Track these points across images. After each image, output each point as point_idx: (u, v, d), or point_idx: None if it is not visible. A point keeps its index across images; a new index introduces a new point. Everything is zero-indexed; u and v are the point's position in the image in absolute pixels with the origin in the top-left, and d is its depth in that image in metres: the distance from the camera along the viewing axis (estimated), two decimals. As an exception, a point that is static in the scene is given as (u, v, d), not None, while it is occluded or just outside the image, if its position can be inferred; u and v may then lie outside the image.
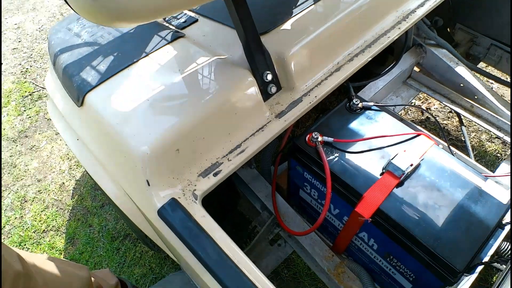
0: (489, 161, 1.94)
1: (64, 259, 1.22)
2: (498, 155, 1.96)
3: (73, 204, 2.14)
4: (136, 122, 0.95)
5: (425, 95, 2.01)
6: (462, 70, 1.57)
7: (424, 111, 2.05)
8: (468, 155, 1.51)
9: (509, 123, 1.47)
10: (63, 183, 2.26)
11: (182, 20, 1.26)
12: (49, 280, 1.04)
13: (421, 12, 1.29)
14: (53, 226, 2.07)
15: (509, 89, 2.23)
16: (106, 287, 1.30)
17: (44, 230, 2.05)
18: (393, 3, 1.26)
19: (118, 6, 0.66)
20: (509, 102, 1.55)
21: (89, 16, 0.72)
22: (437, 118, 2.13)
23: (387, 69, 1.52)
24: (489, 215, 0.93)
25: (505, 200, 0.96)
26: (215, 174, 0.94)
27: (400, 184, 0.97)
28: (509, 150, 1.96)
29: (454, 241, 0.88)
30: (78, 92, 1.10)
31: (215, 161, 0.96)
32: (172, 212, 0.85)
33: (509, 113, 1.49)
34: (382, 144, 1.06)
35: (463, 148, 1.96)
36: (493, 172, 1.40)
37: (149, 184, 0.89)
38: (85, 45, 1.26)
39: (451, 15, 1.79)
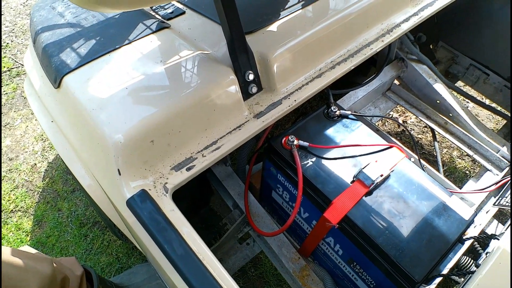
0: (458, 177, 2.00)
1: (26, 251, 1.18)
2: (467, 172, 2.02)
3: (44, 187, 2.10)
4: (112, 110, 0.94)
5: (402, 108, 2.07)
6: (440, 87, 1.62)
7: (400, 124, 2.09)
8: (438, 170, 1.56)
9: (480, 142, 1.52)
10: (35, 164, 2.21)
11: (169, 11, 1.25)
12: (3, 275, 1.00)
13: (406, 27, 1.32)
14: (21, 207, 2.02)
15: (483, 109, 2.30)
16: (72, 277, 1.27)
17: (12, 210, 2.01)
18: (379, 16, 1.28)
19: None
20: (481, 121, 1.60)
21: (73, -1, 0.71)
22: (412, 131, 2.18)
23: (368, 79, 1.55)
24: (450, 229, 0.96)
25: (467, 216, 1.00)
26: (188, 169, 0.94)
27: (369, 193, 0.99)
28: (477, 168, 2.03)
29: (415, 252, 0.91)
30: (56, 74, 1.08)
31: (189, 155, 0.96)
32: (141, 203, 0.84)
33: (480, 132, 1.54)
34: (355, 152, 1.08)
35: (434, 162, 2.02)
36: (460, 188, 1.45)
37: (120, 174, 0.89)
38: (67, 25, 1.24)
39: (435, 32, 1.84)
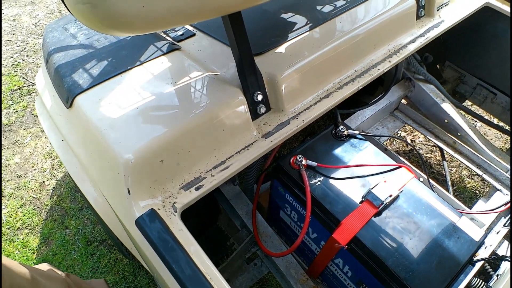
0: (468, 197, 1.98)
1: (40, 268, 1.18)
2: (477, 191, 2.00)
3: (51, 204, 2.11)
4: (123, 129, 0.95)
5: (410, 127, 2.07)
6: (447, 107, 1.62)
7: (408, 144, 2.09)
8: (447, 189, 1.54)
9: (489, 162, 1.51)
10: (44, 181, 2.22)
11: (180, 32, 1.28)
12: None
13: (412, 47, 1.33)
14: (28, 224, 2.03)
15: (491, 128, 2.30)
16: None
17: (19, 228, 2.01)
18: (385, 37, 1.30)
19: (117, 15, 0.68)
20: (490, 142, 1.60)
21: (87, 22, 0.73)
22: (421, 151, 2.17)
23: (375, 99, 1.56)
24: (461, 251, 0.95)
25: (477, 237, 0.99)
26: (197, 188, 0.94)
27: (378, 214, 0.99)
28: (487, 188, 2.01)
29: (425, 274, 0.90)
30: (68, 94, 1.10)
31: (198, 175, 0.96)
32: (150, 223, 0.84)
33: (489, 152, 1.53)
34: (364, 172, 1.08)
35: (443, 182, 2.00)
36: (470, 208, 1.43)
37: (129, 193, 0.89)
38: (80, 47, 1.27)
39: (442, 52, 1.85)
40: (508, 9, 1.55)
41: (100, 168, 1.03)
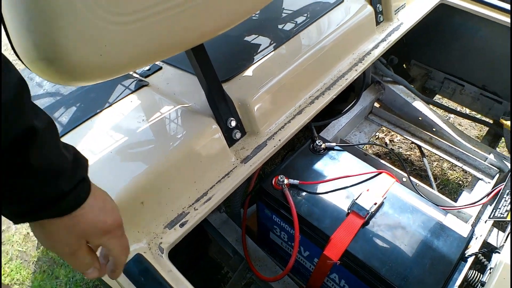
0: (452, 188, 2.01)
1: None
2: (460, 182, 2.04)
3: (39, 255, 2.04)
4: (98, 176, 0.92)
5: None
6: (419, 104, 1.65)
7: (386, 148, 2.12)
8: (431, 185, 1.57)
9: (467, 153, 1.54)
10: (28, 233, 2.16)
11: (146, 68, 1.27)
12: None
13: (376, 53, 1.36)
14: (17, 280, 1.96)
15: (463, 119, 2.35)
16: None
17: (7, 284, 1.94)
18: (349, 47, 1.32)
19: (75, 68, 0.67)
20: (466, 134, 1.63)
21: (47, 77, 0.72)
22: (400, 149, 2.20)
23: (348, 107, 1.58)
24: (451, 249, 0.96)
25: (465, 233, 1.00)
26: (182, 225, 0.93)
27: (365, 224, 0.99)
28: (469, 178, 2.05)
29: (419, 279, 0.90)
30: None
31: (181, 211, 0.95)
32: (137, 268, 0.83)
33: (465, 143, 1.56)
34: (346, 184, 1.09)
35: (426, 177, 2.03)
36: (456, 201, 1.45)
37: (113, 240, 0.87)
38: (47, 95, 1.25)
39: (406, 52, 1.90)
40: (464, 4, 1.60)
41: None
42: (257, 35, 1.30)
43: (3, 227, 2.20)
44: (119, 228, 0.63)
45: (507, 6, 1.52)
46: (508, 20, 1.50)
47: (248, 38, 1.30)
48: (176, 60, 1.27)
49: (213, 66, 1.00)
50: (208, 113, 1.04)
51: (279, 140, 1.10)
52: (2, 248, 2.09)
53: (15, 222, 0.55)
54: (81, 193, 0.56)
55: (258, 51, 1.23)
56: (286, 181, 1.08)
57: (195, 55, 0.95)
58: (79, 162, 0.57)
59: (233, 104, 1.06)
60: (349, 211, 1.01)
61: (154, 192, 0.92)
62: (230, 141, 1.07)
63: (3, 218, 0.56)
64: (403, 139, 2.27)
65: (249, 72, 1.16)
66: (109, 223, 0.60)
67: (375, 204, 1.01)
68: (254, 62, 1.18)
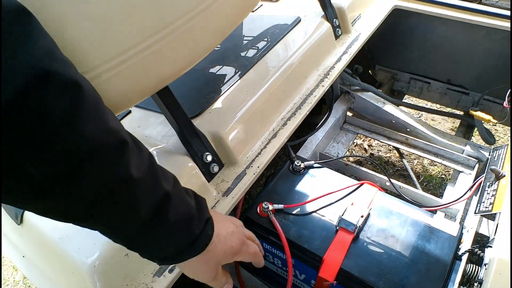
0: (436, 184, 2.04)
1: None
2: (443, 176, 2.07)
3: None
4: (78, 234, 0.91)
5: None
6: (390, 108, 1.68)
7: (362, 157, 2.14)
8: (415, 185, 1.58)
9: (443, 148, 1.57)
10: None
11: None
12: None
13: (340, 66, 1.38)
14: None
15: (436, 115, 2.40)
16: None
17: None
18: (312, 64, 1.34)
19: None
20: (440, 130, 1.67)
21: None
22: (380, 152, 2.23)
23: (321, 121, 1.59)
24: (443, 250, 0.96)
25: (454, 232, 1.00)
26: (171, 271, 0.90)
27: (355, 239, 0.98)
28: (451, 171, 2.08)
29: (418, 286, 0.89)
30: (16, 209, 1.05)
31: (169, 256, 0.92)
32: (131, 325, 0.79)
33: (441, 139, 1.59)
34: (330, 201, 1.08)
35: (410, 177, 2.05)
36: (441, 197, 1.47)
37: (101, 299, 0.84)
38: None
39: (369, 59, 1.94)
40: (416, 6, 1.66)
41: (66, 280, 0.97)
42: (221, 66, 1.31)
43: None
44: (244, 244, 0.78)
45: (456, 2, 1.58)
46: (459, 15, 1.56)
47: (212, 70, 1.30)
48: (144, 102, 1.26)
49: (181, 104, 0.99)
50: (183, 152, 1.03)
51: (258, 167, 1.10)
52: None
53: (161, 264, 0.78)
54: (208, 230, 0.67)
55: (225, 81, 1.23)
56: (270, 207, 1.07)
57: (161, 97, 0.94)
58: (201, 204, 0.68)
59: (206, 138, 1.05)
60: (337, 228, 1.01)
61: (137, 241, 0.89)
62: (209, 176, 1.05)
63: None
64: (382, 143, 2.30)
65: (218, 103, 1.16)
66: (235, 247, 0.74)
67: (362, 216, 1.01)
68: (222, 93, 1.18)
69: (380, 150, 2.22)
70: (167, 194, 0.57)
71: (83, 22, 0.66)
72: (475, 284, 0.94)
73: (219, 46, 1.41)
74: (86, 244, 0.88)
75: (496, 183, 1.05)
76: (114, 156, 0.48)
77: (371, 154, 1.84)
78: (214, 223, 0.69)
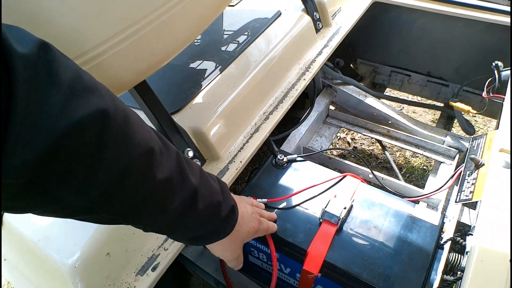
0: (418, 175, 2.07)
1: None
2: (425, 167, 2.10)
3: None
4: (59, 235, 0.89)
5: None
6: (371, 101, 1.69)
7: (345, 150, 2.16)
8: (397, 177, 1.60)
9: (425, 140, 1.59)
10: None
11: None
12: None
13: (321, 59, 1.38)
14: None
15: (416, 107, 2.43)
16: None
17: None
18: (293, 58, 1.34)
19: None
20: (419, 121, 1.68)
21: None
22: (363, 145, 2.25)
23: (304, 115, 1.59)
24: (426, 240, 0.97)
25: (436, 221, 1.02)
26: (154, 269, 0.89)
27: (339, 231, 0.99)
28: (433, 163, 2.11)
29: (401, 276, 0.90)
30: (-8, 212, 1.02)
31: (151, 254, 0.91)
32: (113, 326, 0.78)
33: (421, 130, 1.61)
34: (313, 193, 1.08)
35: (392, 169, 2.08)
36: (423, 187, 1.48)
37: (82, 300, 0.82)
38: None
39: (351, 53, 1.95)
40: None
41: (48, 282, 0.94)
42: (201, 60, 1.29)
43: None
44: (260, 222, 0.87)
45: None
46: (437, 7, 1.58)
47: (193, 65, 1.29)
48: (122, 97, 1.23)
49: (161, 99, 0.98)
50: (163, 148, 1.01)
51: (240, 161, 1.09)
52: None
53: (194, 245, 0.89)
54: (235, 213, 0.73)
55: (205, 76, 1.22)
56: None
57: (139, 92, 0.92)
58: (224, 188, 0.71)
59: (187, 134, 1.04)
60: (320, 220, 1.01)
61: (119, 240, 0.87)
62: (191, 172, 1.04)
63: None
64: (364, 136, 2.32)
65: (198, 99, 1.14)
66: (255, 226, 0.84)
67: (345, 208, 1.01)
68: (203, 88, 1.17)
69: (363, 143, 2.24)
70: (195, 188, 0.61)
71: (57, 15, 0.63)
72: (459, 272, 0.96)
73: (199, 40, 1.39)
74: (66, 245, 0.86)
75: (476, 172, 1.06)
76: (143, 169, 0.51)
77: (354, 147, 1.85)
78: (238, 206, 0.75)
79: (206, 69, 1.24)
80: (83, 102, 0.43)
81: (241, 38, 1.34)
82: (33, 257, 0.93)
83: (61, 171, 0.42)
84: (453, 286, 0.99)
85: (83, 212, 0.51)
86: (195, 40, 1.38)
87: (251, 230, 0.82)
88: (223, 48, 1.33)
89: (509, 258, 0.81)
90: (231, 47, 1.32)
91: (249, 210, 0.84)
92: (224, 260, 0.87)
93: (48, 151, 0.39)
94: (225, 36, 1.40)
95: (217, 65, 1.24)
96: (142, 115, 1.13)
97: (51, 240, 0.88)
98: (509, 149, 1.02)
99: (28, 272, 1.02)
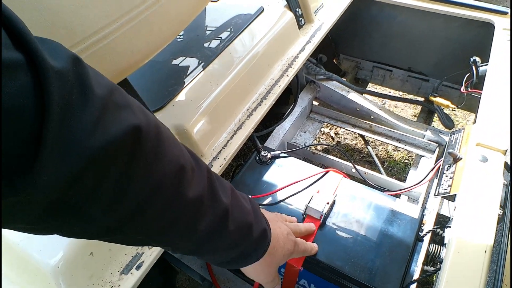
0: (400, 168, 2.10)
1: None
2: (406, 161, 2.13)
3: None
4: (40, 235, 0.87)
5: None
6: (354, 96, 1.71)
7: (328, 145, 2.18)
8: (379, 171, 1.62)
9: (406, 134, 1.62)
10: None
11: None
12: None
13: (304, 55, 1.39)
14: None
15: (398, 102, 2.47)
16: None
17: None
18: (276, 54, 1.34)
19: None
20: (402, 116, 1.71)
21: None
22: (346, 140, 2.28)
23: (288, 111, 1.60)
24: (406, 233, 0.99)
25: (416, 214, 1.04)
26: (138, 267, 0.89)
27: (322, 225, 1.00)
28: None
29: (383, 269, 0.92)
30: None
31: (135, 253, 0.91)
32: (97, 325, 0.78)
33: (403, 125, 1.64)
34: (297, 189, 1.09)
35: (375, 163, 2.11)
36: (405, 181, 1.51)
37: (66, 300, 0.82)
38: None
39: (333, 48, 1.97)
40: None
41: (31, 283, 0.93)
42: (184, 57, 1.29)
43: None
44: (296, 244, 0.82)
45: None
46: (417, 3, 1.60)
47: (175, 62, 1.28)
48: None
49: (142, 97, 0.97)
50: (146, 146, 1.01)
51: (224, 158, 1.09)
52: None
53: (226, 268, 0.82)
54: (268, 234, 0.69)
55: (188, 73, 1.21)
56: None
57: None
58: (256, 208, 0.70)
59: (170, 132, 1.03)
60: (304, 216, 1.02)
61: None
62: (175, 170, 1.04)
63: None
64: (347, 131, 2.35)
65: (181, 96, 1.14)
66: (291, 249, 0.79)
67: (328, 203, 1.02)
68: (185, 85, 1.16)
69: (347, 138, 2.27)
70: (226, 208, 0.59)
71: (32, 11, 0.62)
72: (438, 263, 0.98)
73: (181, 37, 1.39)
74: (48, 245, 0.85)
75: (454, 165, 1.09)
76: (174, 187, 0.50)
77: (338, 142, 1.87)
78: (270, 225, 0.71)
79: (189, 66, 1.24)
80: (116, 118, 0.42)
81: (224, 35, 1.34)
82: (15, 258, 0.92)
83: (91, 188, 0.41)
84: (433, 277, 1.02)
85: (110, 232, 0.49)
86: (178, 37, 1.37)
87: (286, 253, 0.77)
88: (206, 45, 1.33)
89: (489, 250, 0.83)
90: (214, 43, 1.32)
91: (285, 231, 0.78)
92: (260, 283, 0.82)
93: (81, 169, 0.38)
94: (208, 33, 1.39)
95: (200, 62, 1.24)
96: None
97: (33, 240, 0.87)
98: (486, 143, 1.05)
99: (10, 273, 1.00)
